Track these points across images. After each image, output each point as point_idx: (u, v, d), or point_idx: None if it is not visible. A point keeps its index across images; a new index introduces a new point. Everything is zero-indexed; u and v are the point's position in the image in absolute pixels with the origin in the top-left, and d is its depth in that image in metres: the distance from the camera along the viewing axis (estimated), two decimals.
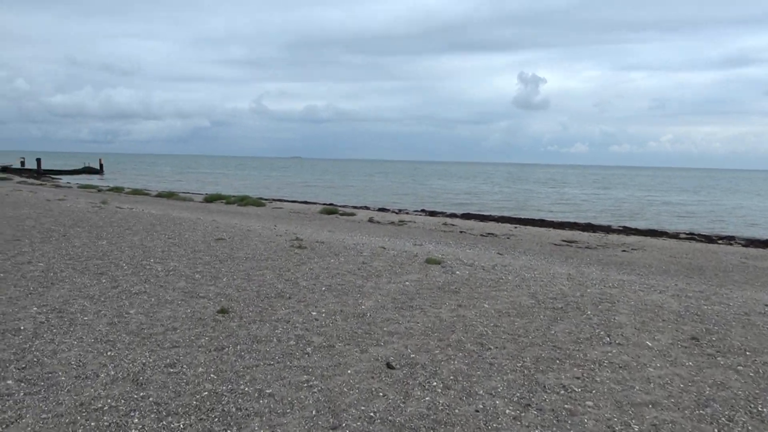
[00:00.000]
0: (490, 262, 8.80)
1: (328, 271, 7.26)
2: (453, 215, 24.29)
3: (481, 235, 16.42)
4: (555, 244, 14.60)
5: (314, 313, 5.42)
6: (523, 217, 24.40)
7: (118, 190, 32.57)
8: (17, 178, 42.67)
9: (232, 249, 8.60)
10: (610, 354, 4.57)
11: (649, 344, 4.84)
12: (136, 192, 30.62)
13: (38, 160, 59.27)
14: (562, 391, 3.83)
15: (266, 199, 30.10)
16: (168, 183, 49.09)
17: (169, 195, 28.62)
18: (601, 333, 5.09)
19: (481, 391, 3.80)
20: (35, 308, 5.34)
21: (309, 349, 4.48)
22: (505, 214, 25.91)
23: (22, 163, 60.22)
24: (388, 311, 5.56)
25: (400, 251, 9.26)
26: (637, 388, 3.94)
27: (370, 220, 20.07)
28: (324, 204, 28.35)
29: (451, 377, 4.01)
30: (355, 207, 27.67)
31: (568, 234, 17.75)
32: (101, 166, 64.45)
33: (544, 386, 3.91)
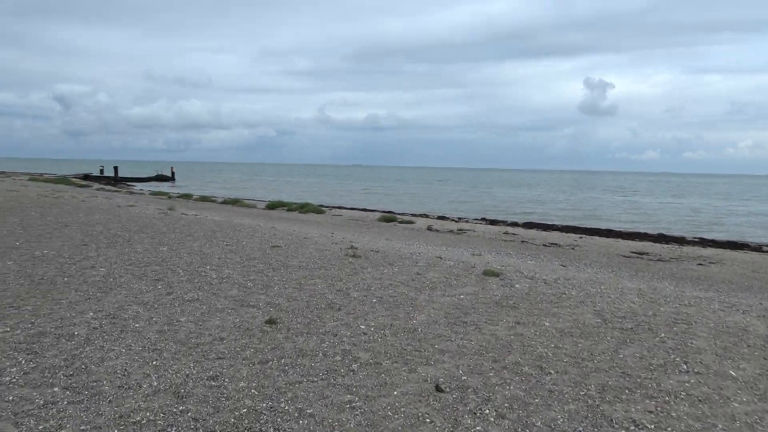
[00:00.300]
0: (552, 275, 8.32)
1: (381, 281, 7.05)
2: (514, 224, 23.60)
3: (544, 245, 15.77)
4: (624, 256, 13.80)
5: (363, 327, 5.21)
6: (589, 226, 23.35)
7: (186, 197, 33.81)
8: (96, 185, 45.21)
9: (286, 257, 8.56)
10: (687, 384, 4.09)
11: (733, 374, 4.32)
12: (203, 199, 31.66)
13: (115, 168, 62.67)
14: (632, 427, 3.43)
15: (326, 206, 30.40)
16: (234, 190, 50.63)
17: (234, 202, 29.40)
18: (677, 359, 4.60)
19: (539, 423, 3.45)
20: (91, 313, 5.42)
21: (355, 366, 4.27)
22: (570, 223, 24.91)
23: (102, 171, 63.82)
24: (440, 327, 5.27)
25: (457, 261, 8.93)
26: (720, 426, 3.48)
27: (429, 229, 19.77)
28: (383, 212, 28.28)
29: (506, 404, 3.68)
30: (414, 215, 27.44)
31: (638, 245, 16.78)
32: (173, 173, 67.40)
33: (611, 420, 3.51)
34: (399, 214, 27.24)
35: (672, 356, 4.66)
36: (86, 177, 59.54)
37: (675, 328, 5.45)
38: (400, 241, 13.92)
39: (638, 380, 4.13)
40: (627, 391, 3.95)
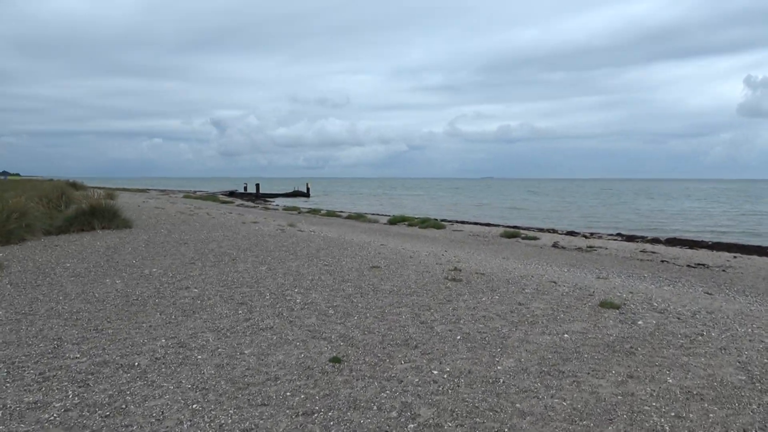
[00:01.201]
0: (690, 307, 6.90)
1: (474, 312, 6.24)
2: (655, 240, 21.05)
3: (689, 266, 13.69)
4: None
5: (436, 372, 4.48)
6: (747, 243, 20.10)
7: (315, 212, 35.04)
8: (238, 201, 48.83)
9: (381, 279, 8.05)
10: None
11: None
12: (329, 214, 32.55)
13: (257, 186, 67.37)
14: None
15: (449, 221, 29.69)
16: (363, 205, 51.77)
17: (357, 217, 29.81)
18: None
19: None
20: (163, 340, 5.30)
21: (410, 427, 3.57)
22: (724, 240, 21.68)
23: (245, 188, 68.99)
24: (529, 377, 4.38)
25: (573, 287, 7.80)
26: None
27: (555, 245, 18.27)
28: (508, 227, 26.91)
29: None
30: (540, 230, 25.77)
31: None
32: (308, 189, 70.87)
33: None
34: (524, 228, 25.73)
35: None
36: (231, 194, 64.67)
37: None
38: (518, 260, 12.85)
39: None
40: None
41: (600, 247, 17.70)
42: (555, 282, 8.38)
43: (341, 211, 37.36)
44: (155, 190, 75.72)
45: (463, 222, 29.45)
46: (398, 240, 16.07)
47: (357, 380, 4.33)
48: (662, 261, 14.69)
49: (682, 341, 5.34)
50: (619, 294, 7.55)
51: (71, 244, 11.02)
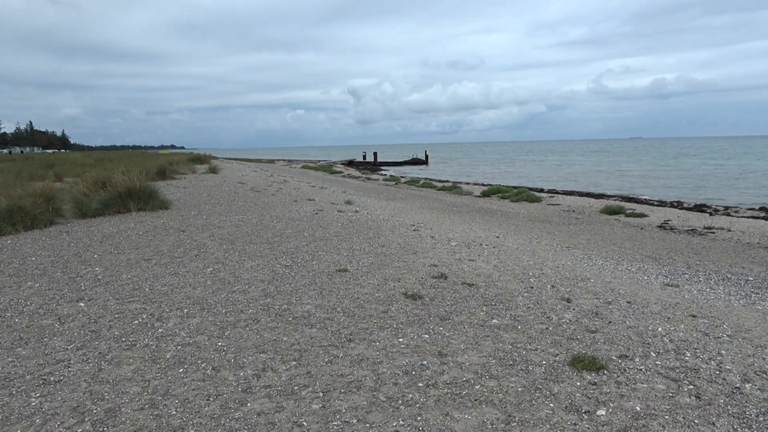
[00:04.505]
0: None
1: (373, 371, 4.36)
2: None
3: None
4: None
5: None
6: None
7: (414, 181, 33.54)
8: (347, 171, 48.75)
9: (321, 295, 6.33)
10: None
11: None
12: (425, 185, 30.88)
13: (375, 154, 67.24)
14: None
15: (556, 192, 26.54)
16: (477, 174, 49.11)
17: (452, 188, 27.80)
18: None
19: None
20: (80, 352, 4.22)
21: None
22: None
23: (364, 156, 69.27)
24: None
25: (590, 311, 5.50)
26: None
27: (662, 226, 14.97)
28: (619, 198, 23.24)
29: None
30: (661, 202, 21.82)
31: None
32: (426, 157, 69.29)
33: None
34: (641, 201, 21.99)
35: None
36: (350, 163, 65.25)
37: None
38: (592, 249, 10.34)
39: None
40: None
41: (722, 229, 14.10)
42: (569, 301, 6.08)
43: (445, 181, 35.47)
44: (283, 160, 79.08)
45: (569, 192, 26.09)
46: (461, 221, 14.06)
47: None
48: None
49: None
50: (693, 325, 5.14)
51: (81, 229, 10.70)
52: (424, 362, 3.96)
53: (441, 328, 4.76)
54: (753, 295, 7.17)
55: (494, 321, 4.99)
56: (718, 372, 4.02)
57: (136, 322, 5.01)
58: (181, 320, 5.05)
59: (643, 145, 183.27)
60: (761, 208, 19.20)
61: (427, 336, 4.54)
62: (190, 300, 5.69)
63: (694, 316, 5.70)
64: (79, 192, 13.16)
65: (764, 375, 4.07)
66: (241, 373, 3.84)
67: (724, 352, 4.52)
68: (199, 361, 4.08)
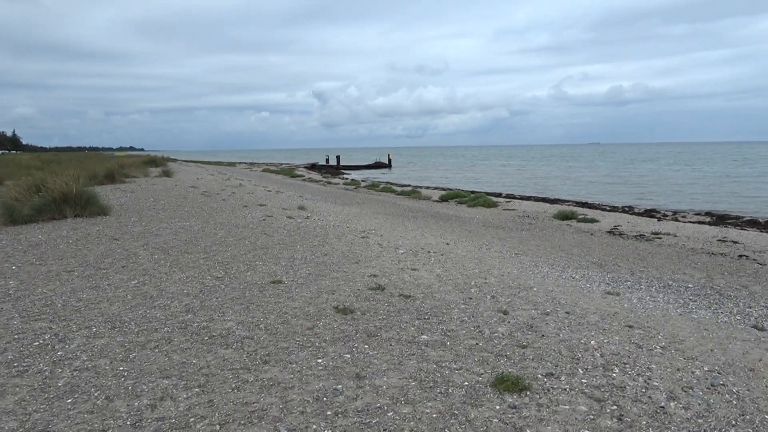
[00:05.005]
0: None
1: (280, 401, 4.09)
2: (752, 223, 17.00)
3: None
4: None
5: None
6: None
7: (374, 186, 33.36)
8: (309, 175, 48.17)
9: (247, 310, 6.04)
10: None
11: None
12: (385, 189, 30.71)
13: (337, 158, 66.84)
14: None
15: (514, 197, 26.74)
16: (438, 178, 49.26)
17: (411, 192, 27.71)
18: None
19: None
20: None
21: None
22: None
23: (327, 160, 68.72)
24: None
25: (539, 311, 5.35)
26: None
27: (612, 231, 15.14)
28: (574, 203, 23.54)
29: None
30: (613, 207, 22.18)
31: None
32: (389, 161, 69.27)
33: None
34: (593, 207, 22.31)
35: None
36: (312, 166, 64.63)
37: None
38: (544, 257, 10.31)
39: None
40: None
41: (668, 234, 14.33)
42: (505, 312, 5.95)
43: (406, 185, 35.40)
44: (245, 163, 77.76)
45: (527, 198, 26.32)
46: (414, 225, 13.89)
47: None
48: (740, 256, 11.31)
49: None
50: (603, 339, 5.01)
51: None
52: (339, 386, 3.70)
53: (366, 346, 4.51)
54: (691, 303, 7.18)
55: (424, 337, 4.78)
56: (644, 389, 3.90)
57: (36, 343, 4.60)
58: (86, 341, 4.66)
59: (601, 150, 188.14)
60: (707, 213, 19.70)
61: (348, 356, 4.28)
62: (103, 317, 5.29)
63: (630, 326, 5.62)
64: (10, 197, 12.42)
65: (690, 391, 3.97)
66: (136, 403, 3.50)
67: (654, 366, 4.42)
68: (93, 389, 3.72)
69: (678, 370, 4.40)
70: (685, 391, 3.95)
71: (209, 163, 75.21)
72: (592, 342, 4.90)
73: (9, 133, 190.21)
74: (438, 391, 3.65)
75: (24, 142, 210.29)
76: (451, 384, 3.77)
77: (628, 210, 21.37)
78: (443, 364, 4.13)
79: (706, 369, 4.48)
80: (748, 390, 4.14)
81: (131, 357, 4.29)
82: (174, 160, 61.32)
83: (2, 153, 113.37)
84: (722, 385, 4.16)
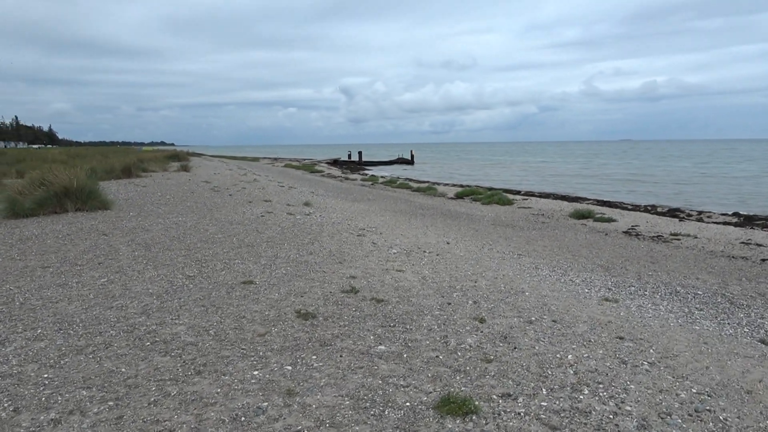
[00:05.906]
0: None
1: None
2: None
3: None
4: None
5: None
6: None
7: (392, 182, 32.96)
8: (330, 171, 48.01)
9: (205, 313, 5.73)
10: None
11: None
12: (402, 185, 30.29)
13: (360, 153, 66.60)
14: None
15: (531, 195, 26.03)
16: (460, 175, 48.54)
17: (427, 189, 27.21)
18: None
19: None
20: None
21: None
22: None
23: (349, 156, 68.50)
24: None
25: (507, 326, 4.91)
26: None
27: (628, 232, 14.45)
28: (594, 201, 22.75)
29: None
30: (635, 207, 21.34)
31: None
32: (412, 156, 68.67)
33: None
34: (615, 206, 21.50)
35: None
36: (335, 162, 64.49)
37: None
38: (548, 258, 9.83)
39: None
40: None
41: (688, 236, 13.59)
42: (482, 321, 5.53)
43: (424, 182, 34.91)
44: (268, 158, 78.13)
45: (546, 195, 25.57)
46: (420, 223, 13.48)
47: None
48: (763, 260, 10.58)
49: None
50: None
51: None
52: (265, 404, 3.35)
53: (314, 357, 4.15)
54: (696, 312, 6.62)
55: (381, 347, 4.39)
56: (612, 416, 3.44)
57: None
58: (25, 343, 4.42)
59: (632, 147, 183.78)
60: (734, 214, 18.75)
61: (290, 367, 3.92)
62: (55, 317, 5.05)
63: (621, 338, 5.15)
64: (15, 190, 12.44)
65: (668, 418, 3.51)
66: (42, 417, 3.21)
67: (633, 386, 3.95)
68: (5, 399, 3.45)
69: (661, 391, 3.93)
70: (662, 418, 3.49)
71: (234, 158, 75.85)
72: (569, 357, 4.45)
73: (45, 128, 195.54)
74: (372, 413, 3.27)
75: (60, 137, 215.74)
76: (390, 405, 3.38)
77: (651, 209, 20.52)
78: (390, 380, 3.74)
79: (694, 390, 4.00)
80: (738, 417, 3.65)
81: (62, 363, 4.02)
82: (200, 155, 62.05)
83: (38, 147, 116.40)
84: (708, 410, 3.69)
